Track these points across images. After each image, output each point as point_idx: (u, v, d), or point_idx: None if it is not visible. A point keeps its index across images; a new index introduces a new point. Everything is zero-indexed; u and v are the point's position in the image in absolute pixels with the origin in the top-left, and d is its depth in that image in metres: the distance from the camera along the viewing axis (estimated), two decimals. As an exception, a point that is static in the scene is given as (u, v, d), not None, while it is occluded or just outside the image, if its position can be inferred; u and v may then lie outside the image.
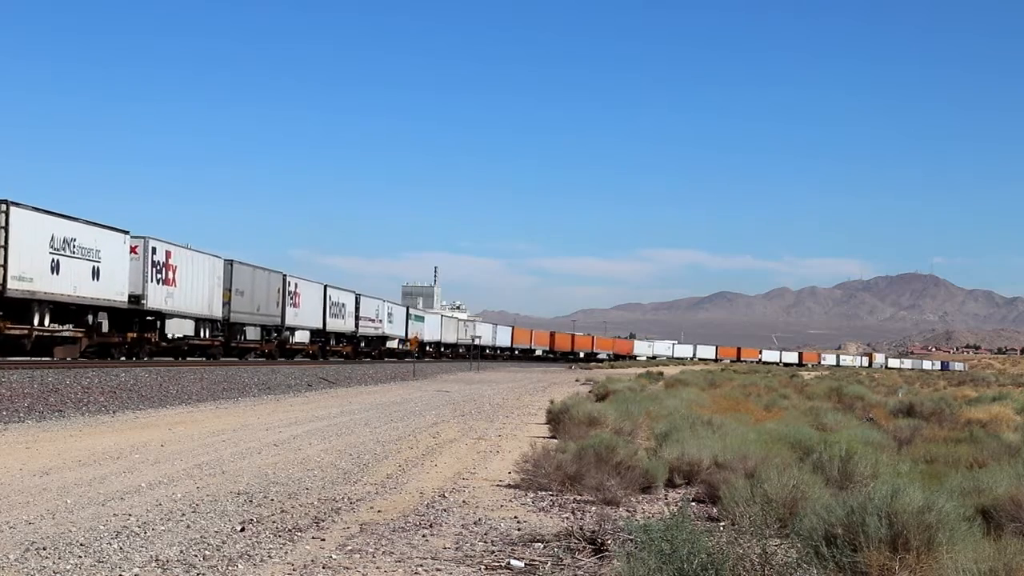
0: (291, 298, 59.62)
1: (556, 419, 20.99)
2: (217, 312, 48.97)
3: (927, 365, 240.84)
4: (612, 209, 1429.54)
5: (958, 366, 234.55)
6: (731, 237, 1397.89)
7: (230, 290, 50.02)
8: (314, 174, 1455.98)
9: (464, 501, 12.03)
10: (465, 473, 14.70)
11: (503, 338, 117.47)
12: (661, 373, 64.75)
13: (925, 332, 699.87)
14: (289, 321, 59.69)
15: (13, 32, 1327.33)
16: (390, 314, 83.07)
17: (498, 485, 13.47)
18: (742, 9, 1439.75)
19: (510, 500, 12.24)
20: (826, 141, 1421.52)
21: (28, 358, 34.32)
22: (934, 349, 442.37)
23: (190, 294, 45.45)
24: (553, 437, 19.58)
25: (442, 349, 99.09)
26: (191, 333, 46.86)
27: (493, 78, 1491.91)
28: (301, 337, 63.09)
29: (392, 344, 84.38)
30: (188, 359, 46.11)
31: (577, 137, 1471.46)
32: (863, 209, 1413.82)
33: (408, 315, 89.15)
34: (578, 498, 12.24)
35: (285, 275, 58.80)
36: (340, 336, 71.30)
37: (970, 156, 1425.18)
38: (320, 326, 65.71)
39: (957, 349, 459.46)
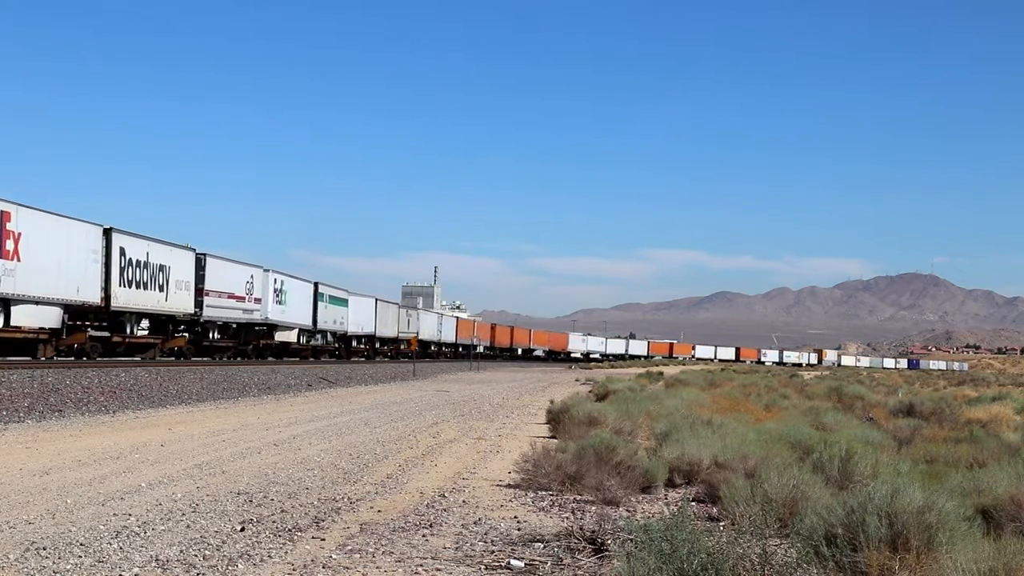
0: None
1: (556, 419, 21.00)
2: None
3: (888, 363, 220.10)
4: (612, 209, 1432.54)
5: (936, 364, 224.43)
6: (731, 237, 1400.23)
7: None
8: (314, 174, 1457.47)
9: (464, 501, 12.03)
10: (465, 473, 14.70)
11: (448, 332, 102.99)
12: (661, 373, 64.77)
13: (925, 332, 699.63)
14: None
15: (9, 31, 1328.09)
16: (279, 291, 55.94)
17: (498, 485, 13.47)
18: (743, 8, 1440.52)
19: (510, 500, 12.23)
20: (827, 141, 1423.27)
21: (29, 357, 34.29)
22: (934, 349, 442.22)
23: None
24: (553, 437, 19.58)
25: (377, 345, 77.95)
26: None
27: (494, 78, 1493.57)
28: (34, 319, 33.84)
29: (286, 336, 58.89)
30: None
31: (577, 137, 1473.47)
32: (863, 209, 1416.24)
33: (317, 295, 62.67)
34: (578, 498, 12.24)
35: None
36: (157, 319, 43.34)
37: (970, 156, 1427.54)
38: (96, 300, 37.35)
39: (957, 349, 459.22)
